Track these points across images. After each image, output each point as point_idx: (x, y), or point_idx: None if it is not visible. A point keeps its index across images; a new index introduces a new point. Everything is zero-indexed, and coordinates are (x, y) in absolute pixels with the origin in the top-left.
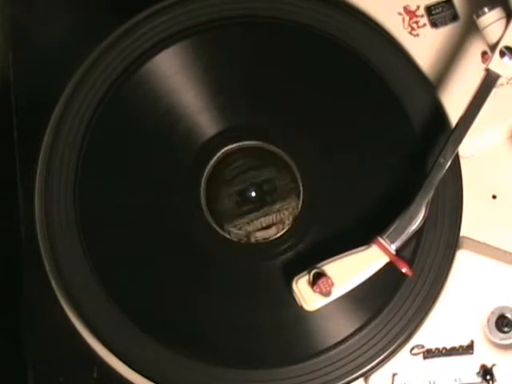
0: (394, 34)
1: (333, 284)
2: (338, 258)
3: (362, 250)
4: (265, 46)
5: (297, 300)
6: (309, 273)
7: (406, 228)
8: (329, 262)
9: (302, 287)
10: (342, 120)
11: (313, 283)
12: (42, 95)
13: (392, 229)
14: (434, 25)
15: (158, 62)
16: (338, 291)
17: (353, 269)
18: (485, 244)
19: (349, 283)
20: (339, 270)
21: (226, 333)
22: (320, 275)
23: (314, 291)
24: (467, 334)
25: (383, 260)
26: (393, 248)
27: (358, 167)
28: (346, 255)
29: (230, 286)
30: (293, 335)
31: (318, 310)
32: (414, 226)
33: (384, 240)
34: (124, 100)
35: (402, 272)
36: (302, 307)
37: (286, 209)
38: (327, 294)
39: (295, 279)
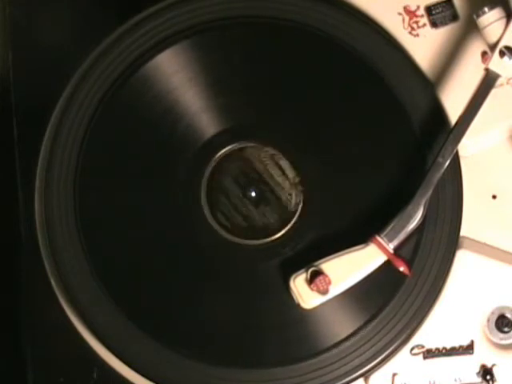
0: (393, 34)
1: (330, 282)
2: (336, 257)
3: (360, 249)
4: (265, 45)
5: (294, 298)
6: (306, 271)
7: (404, 227)
8: (326, 260)
9: (299, 285)
10: (341, 120)
11: (310, 281)
12: (42, 95)
13: (390, 227)
14: (434, 25)
15: (157, 62)
16: (336, 289)
17: (350, 267)
18: (485, 244)
19: (346, 282)
20: (337, 269)
21: (225, 333)
22: (317, 273)
23: (311, 289)
24: (467, 334)
25: (381, 259)
26: (391, 247)
27: (358, 166)
28: (344, 253)
29: (230, 285)
30: (293, 335)
31: (318, 310)
32: (413, 224)
33: (382, 239)
34: (124, 100)
35: (399, 271)
36: (299, 305)
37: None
38: (324, 292)
39: (293, 277)
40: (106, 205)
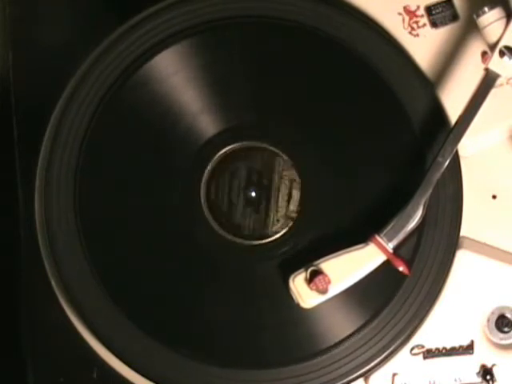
0: (393, 34)
1: (329, 282)
2: (335, 256)
3: (360, 248)
4: (265, 46)
5: (294, 297)
6: (306, 270)
7: (403, 227)
8: (326, 260)
9: (298, 284)
10: (341, 120)
11: (309, 280)
12: (42, 95)
13: (390, 227)
14: (434, 25)
15: (158, 62)
16: (335, 289)
17: (350, 267)
18: (485, 244)
19: (346, 281)
20: (336, 268)
21: (225, 333)
22: (317, 273)
23: (311, 288)
24: (467, 334)
25: (380, 258)
26: (390, 246)
27: (358, 166)
28: (344, 253)
29: (230, 285)
30: (293, 335)
31: (318, 310)
32: (412, 224)
33: (381, 238)
34: (124, 100)
35: (399, 271)
36: (298, 304)
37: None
38: (324, 291)
39: (292, 276)
40: (106, 205)
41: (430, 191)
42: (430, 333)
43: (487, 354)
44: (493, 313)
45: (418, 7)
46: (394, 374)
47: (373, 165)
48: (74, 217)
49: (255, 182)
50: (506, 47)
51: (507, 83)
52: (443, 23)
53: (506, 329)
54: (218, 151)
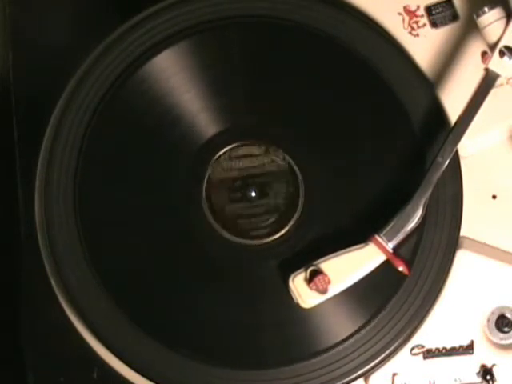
0: (394, 34)
1: (329, 281)
2: (335, 256)
3: (359, 248)
4: (265, 45)
5: (293, 297)
6: (305, 270)
7: (403, 226)
8: (326, 260)
9: (298, 284)
10: (341, 120)
11: (309, 280)
12: (42, 95)
13: (389, 227)
14: (434, 25)
15: (157, 62)
16: (335, 289)
17: (350, 266)
18: (485, 244)
19: (345, 281)
20: (336, 268)
21: (225, 333)
22: (317, 272)
23: (311, 288)
24: (467, 334)
25: (380, 258)
26: (390, 246)
27: (358, 166)
28: (343, 253)
29: (230, 285)
30: (293, 335)
31: (318, 310)
32: (412, 224)
33: (381, 238)
34: (124, 100)
35: (398, 271)
36: (298, 304)
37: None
38: (323, 291)
39: (292, 276)
40: (106, 205)
41: (429, 191)
42: (430, 333)
43: (487, 354)
44: (493, 313)
45: (418, 7)
46: (394, 374)
47: (373, 165)
48: (74, 217)
49: (255, 181)
50: (506, 47)
51: (507, 83)
52: (443, 23)
53: (506, 329)
54: (218, 151)
